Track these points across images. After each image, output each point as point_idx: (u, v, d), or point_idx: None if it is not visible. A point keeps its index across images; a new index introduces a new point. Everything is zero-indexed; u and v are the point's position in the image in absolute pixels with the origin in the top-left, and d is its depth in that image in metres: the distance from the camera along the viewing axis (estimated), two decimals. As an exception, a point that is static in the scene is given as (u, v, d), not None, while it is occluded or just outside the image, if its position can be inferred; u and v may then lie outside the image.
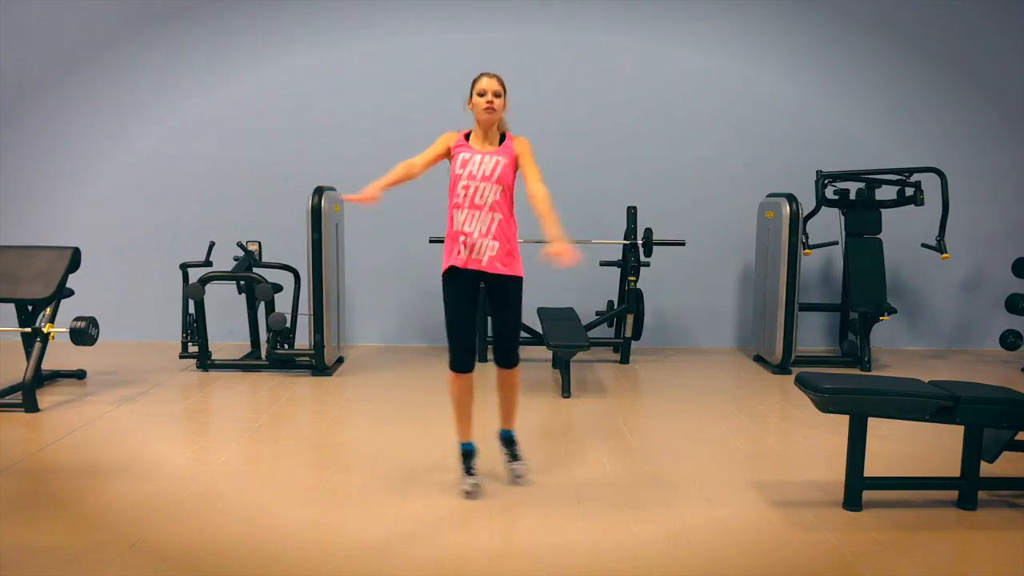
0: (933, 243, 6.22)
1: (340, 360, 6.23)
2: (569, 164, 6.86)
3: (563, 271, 6.76)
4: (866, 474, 3.35)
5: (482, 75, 3.42)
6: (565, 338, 5.33)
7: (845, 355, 6.44)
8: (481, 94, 3.37)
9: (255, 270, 6.01)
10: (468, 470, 3.53)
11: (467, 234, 3.37)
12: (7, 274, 5.02)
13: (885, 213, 6.40)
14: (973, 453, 3.36)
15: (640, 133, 6.93)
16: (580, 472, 3.81)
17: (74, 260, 5.14)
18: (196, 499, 3.42)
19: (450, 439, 4.08)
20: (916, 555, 2.96)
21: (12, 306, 5.19)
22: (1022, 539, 3.14)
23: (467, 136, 3.49)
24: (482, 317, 6.34)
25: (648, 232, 6.24)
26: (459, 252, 3.40)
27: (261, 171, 6.88)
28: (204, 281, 5.75)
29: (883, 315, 6.10)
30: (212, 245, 6.02)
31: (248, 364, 5.94)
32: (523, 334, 6.32)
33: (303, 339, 6.15)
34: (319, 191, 5.67)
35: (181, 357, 5.91)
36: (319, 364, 5.74)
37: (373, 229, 6.85)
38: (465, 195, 3.37)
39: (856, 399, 3.31)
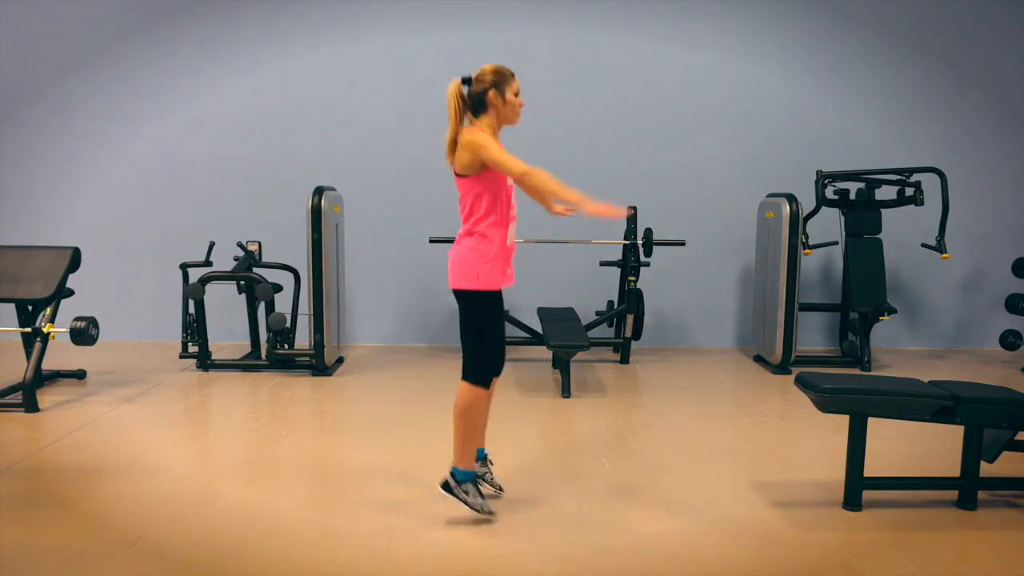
0: (933, 243, 6.21)
1: (340, 360, 6.23)
2: (568, 164, 6.85)
3: (563, 271, 6.81)
4: (866, 474, 3.35)
5: (513, 73, 3.15)
6: (565, 338, 5.33)
7: (845, 355, 6.44)
8: (516, 94, 3.15)
9: (255, 270, 6.01)
10: (482, 495, 3.25)
11: (512, 249, 3.20)
12: (7, 274, 5.02)
13: (885, 213, 6.40)
14: (973, 453, 3.36)
15: (640, 132, 6.93)
16: (580, 472, 3.81)
17: (74, 260, 5.14)
18: (196, 499, 3.42)
19: (450, 438, 4.08)
20: (916, 555, 2.96)
21: (12, 306, 5.19)
22: (1022, 539, 3.14)
23: None
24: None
25: (648, 232, 6.24)
26: (508, 270, 3.19)
27: (261, 171, 6.88)
28: (204, 281, 5.75)
29: (883, 315, 6.11)
30: (212, 245, 6.02)
31: (248, 364, 5.94)
32: (523, 334, 6.34)
33: (303, 339, 6.15)
34: (319, 191, 5.67)
35: (181, 357, 5.91)
36: (319, 364, 5.74)
37: (373, 229, 6.86)
38: (511, 207, 3.17)
39: (856, 399, 3.31)
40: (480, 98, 3.12)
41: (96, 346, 5.16)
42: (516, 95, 3.15)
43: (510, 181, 3.13)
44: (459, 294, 3.15)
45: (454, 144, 3.11)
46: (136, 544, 2.97)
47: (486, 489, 3.41)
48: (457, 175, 3.12)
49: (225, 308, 6.54)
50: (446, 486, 3.19)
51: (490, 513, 3.20)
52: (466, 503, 3.17)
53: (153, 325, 6.89)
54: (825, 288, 7.11)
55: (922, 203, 6.05)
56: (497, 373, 3.28)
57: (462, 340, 3.19)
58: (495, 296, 3.15)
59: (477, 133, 3.05)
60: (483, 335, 3.15)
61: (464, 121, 3.15)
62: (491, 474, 3.49)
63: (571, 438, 4.40)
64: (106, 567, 2.79)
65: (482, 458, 3.46)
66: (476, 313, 3.14)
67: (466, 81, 3.14)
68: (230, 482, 3.64)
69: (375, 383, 5.65)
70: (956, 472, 3.44)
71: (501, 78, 3.12)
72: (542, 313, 6.15)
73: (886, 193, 6.41)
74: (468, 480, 3.19)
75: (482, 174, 3.06)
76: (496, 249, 3.10)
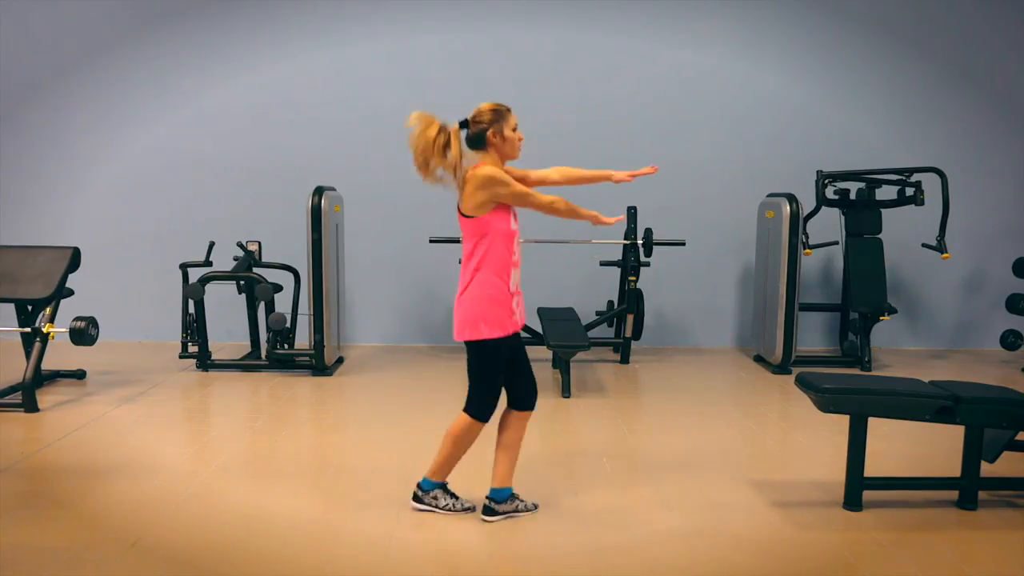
0: (933, 243, 6.21)
1: (340, 360, 6.22)
2: (568, 164, 6.85)
3: (563, 271, 6.80)
4: (866, 474, 3.35)
5: (509, 109, 3.13)
6: (565, 338, 5.33)
7: (845, 355, 6.44)
8: (514, 129, 3.10)
9: (255, 270, 6.01)
10: (455, 496, 3.32)
11: (520, 295, 3.16)
12: (7, 274, 5.02)
13: (885, 213, 6.40)
14: (973, 453, 3.36)
15: (640, 132, 6.92)
16: (580, 472, 3.81)
17: (74, 260, 5.14)
18: (196, 499, 3.42)
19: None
20: (916, 555, 2.96)
21: (12, 306, 5.19)
22: (1022, 539, 3.14)
23: None
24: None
25: (648, 232, 6.24)
26: (517, 315, 3.14)
27: (261, 171, 6.88)
28: (204, 281, 5.75)
29: (883, 315, 6.11)
30: (212, 245, 6.02)
31: (248, 364, 5.94)
32: (524, 334, 6.32)
33: (303, 339, 6.14)
34: (319, 191, 5.67)
35: (181, 357, 5.91)
36: (319, 364, 5.74)
37: (373, 229, 6.86)
38: (513, 251, 3.11)
39: (856, 399, 3.31)
40: (480, 138, 3.07)
41: (96, 346, 5.15)
42: (514, 130, 3.11)
43: (514, 225, 3.08)
44: (468, 344, 3.12)
45: (459, 181, 3.02)
46: (136, 544, 2.97)
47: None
48: (464, 216, 3.04)
49: (225, 308, 6.53)
50: (415, 497, 3.30)
51: (467, 509, 3.27)
52: (436, 507, 3.26)
53: (153, 325, 6.89)
54: (825, 288, 7.11)
55: (922, 203, 6.05)
56: (529, 407, 3.26)
57: (470, 379, 3.18)
58: (503, 341, 3.09)
59: (489, 169, 3.01)
60: (491, 378, 3.15)
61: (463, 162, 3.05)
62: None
63: (571, 438, 4.40)
64: (106, 567, 2.79)
65: (507, 497, 3.27)
66: (485, 361, 3.13)
67: (464, 124, 3.07)
68: (230, 482, 3.64)
69: (375, 383, 5.65)
70: (956, 472, 3.43)
71: (499, 116, 3.07)
72: (542, 313, 6.15)
73: (886, 193, 6.41)
74: (437, 487, 3.28)
75: (490, 215, 3.01)
76: (501, 294, 3.05)
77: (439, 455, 3.25)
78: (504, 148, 3.09)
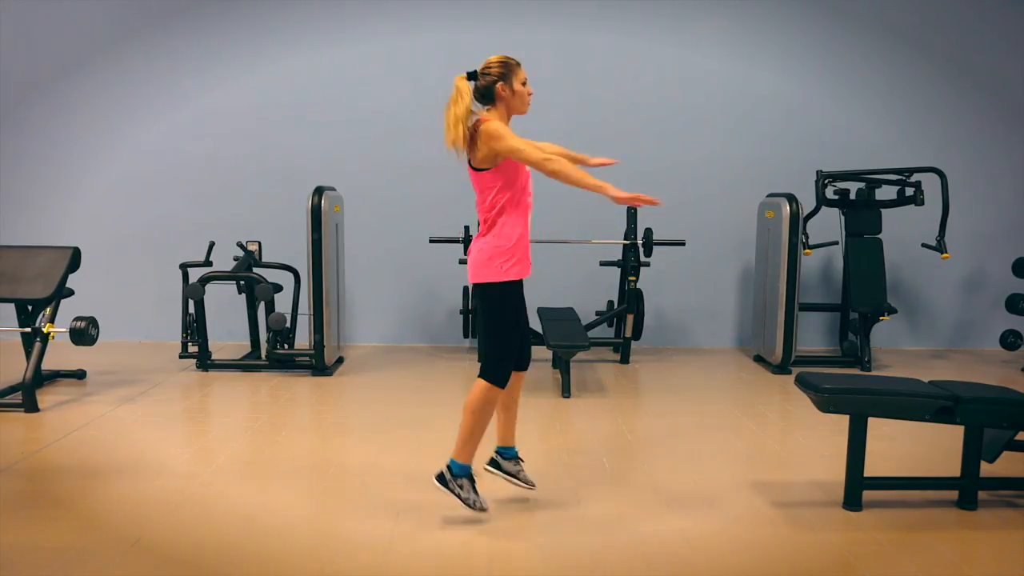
0: (933, 243, 6.22)
1: (340, 360, 6.23)
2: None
3: (563, 271, 6.79)
4: (866, 474, 3.35)
5: (519, 63, 3.14)
6: (565, 338, 5.34)
7: (845, 355, 6.44)
8: (524, 83, 3.13)
9: (255, 270, 6.01)
10: (476, 491, 3.20)
11: (529, 239, 3.15)
12: (7, 274, 5.02)
13: (885, 213, 6.40)
14: (973, 453, 3.36)
15: (640, 132, 6.92)
16: (580, 472, 3.81)
17: (74, 260, 5.14)
18: (196, 499, 3.42)
19: (450, 438, 4.08)
20: (916, 555, 2.96)
21: (12, 306, 5.19)
22: (1022, 539, 3.14)
23: None
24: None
25: (648, 232, 6.24)
26: (527, 260, 3.14)
27: (261, 171, 6.88)
28: (204, 281, 5.75)
29: (883, 315, 6.11)
30: (212, 245, 6.02)
31: (248, 364, 5.94)
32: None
33: (303, 339, 6.14)
34: (319, 191, 5.67)
35: (181, 357, 5.91)
36: (319, 364, 5.74)
37: (373, 229, 6.86)
38: (528, 194, 3.12)
39: (856, 399, 3.31)
40: (488, 91, 3.08)
41: (96, 346, 5.15)
42: (524, 84, 3.12)
43: (527, 168, 3.07)
44: (479, 288, 3.11)
45: (464, 138, 3.02)
46: (136, 544, 2.97)
47: (520, 488, 3.39)
48: (474, 170, 3.07)
49: (225, 308, 6.53)
50: (441, 478, 3.17)
51: (483, 510, 3.17)
52: (459, 497, 3.13)
53: (153, 325, 6.89)
54: (825, 288, 7.11)
55: (922, 203, 6.05)
56: (523, 368, 3.29)
57: (480, 337, 3.18)
58: (515, 287, 3.12)
59: (492, 123, 3.01)
60: (503, 329, 3.11)
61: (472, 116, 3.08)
62: (524, 472, 3.41)
63: (571, 438, 4.40)
64: (106, 567, 2.79)
65: (513, 457, 3.40)
66: (497, 305, 3.10)
67: (472, 76, 3.09)
68: (230, 482, 3.64)
69: (375, 383, 5.65)
70: (956, 472, 3.43)
71: (508, 69, 3.08)
72: (542, 313, 6.14)
73: (886, 193, 6.41)
74: (464, 475, 3.15)
75: (500, 167, 3.02)
76: (515, 240, 3.07)
77: (460, 430, 3.13)
78: (513, 102, 3.10)
